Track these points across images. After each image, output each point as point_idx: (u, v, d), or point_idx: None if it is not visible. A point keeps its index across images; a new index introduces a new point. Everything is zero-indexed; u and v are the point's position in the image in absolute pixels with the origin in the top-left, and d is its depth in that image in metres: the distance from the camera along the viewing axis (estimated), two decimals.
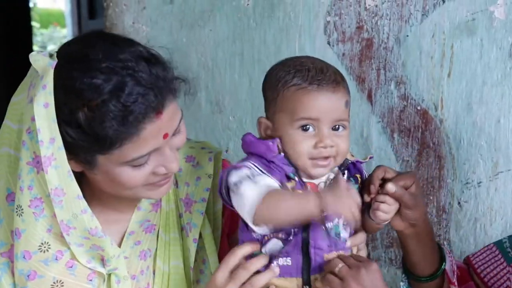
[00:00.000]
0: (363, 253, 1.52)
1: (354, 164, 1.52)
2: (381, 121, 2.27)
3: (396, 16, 2.20)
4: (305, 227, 1.42)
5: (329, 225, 1.43)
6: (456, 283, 1.60)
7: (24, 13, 7.07)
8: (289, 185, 1.43)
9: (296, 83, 1.44)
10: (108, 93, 1.33)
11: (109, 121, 1.34)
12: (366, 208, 1.51)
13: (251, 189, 1.39)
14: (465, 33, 2.10)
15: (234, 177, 1.44)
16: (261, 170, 1.43)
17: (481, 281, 1.66)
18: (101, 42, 1.41)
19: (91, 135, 1.36)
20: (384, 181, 1.49)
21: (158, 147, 1.41)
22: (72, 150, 1.40)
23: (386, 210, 1.47)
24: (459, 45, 2.12)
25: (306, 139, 1.43)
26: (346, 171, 1.51)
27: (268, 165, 1.44)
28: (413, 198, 1.48)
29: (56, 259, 1.48)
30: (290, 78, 1.45)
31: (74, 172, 1.43)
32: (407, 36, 2.19)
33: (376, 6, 2.22)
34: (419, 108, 2.20)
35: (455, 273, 1.62)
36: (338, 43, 2.30)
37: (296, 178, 1.44)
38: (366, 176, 1.54)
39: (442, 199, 2.20)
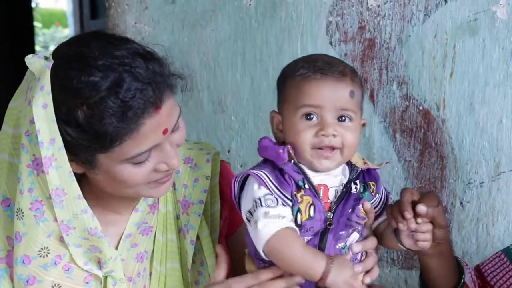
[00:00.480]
0: (373, 259, 1.49)
1: (368, 171, 1.50)
2: (383, 121, 2.27)
3: (398, 16, 2.20)
4: (321, 243, 1.41)
5: (340, 245, 1.43)
6: None
7: (26, 13, 7.07)
8: (298, 194, 1.41)
9: (301, 73, 1.44)
10: (106, 90, 1.33)
11: (109, 117, 1.33)
12: (394, 232, 1.49)
13: (264, 226, 1.39)
14: (467, 33, 2.10)
15: (248, 199, 1.43)
16: (278, 189, 1.42)
17: None
18: (96, 41, 1.41)
19: (91, 133, 1.35)
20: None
21: (158, 143, 1.41)
22: (72, 150, 1.39)
23: (428, 238, 1.44)
24: (461, 45, 2.11)
25: (308, 127, 1.42)
26: (357, 181, 1.48)
27: (279, 175, 1.43)
28: (444, 217, 1.47)
29: (55, 263, 1.47)
30: (297, 69, 1.46)
31: (74, 173, 1.43)
32: (409, 36, 2.19)
33: (378, 6, 2.22)
34: (421, 108, 2.20)
35: (476, 284, 1.62)
36: (340, 43, 2.30)
37: (306, 186, 1.42)
38: (383, 188, 1.52)
39: (444, 199, 2.20)
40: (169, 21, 2.59)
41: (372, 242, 1.49)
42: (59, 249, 1.47)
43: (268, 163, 1.46)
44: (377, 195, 1.51)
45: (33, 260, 1.45)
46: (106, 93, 1.33)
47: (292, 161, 1.43)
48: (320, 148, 1.42)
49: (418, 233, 1.43)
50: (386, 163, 1.56)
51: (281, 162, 1.42)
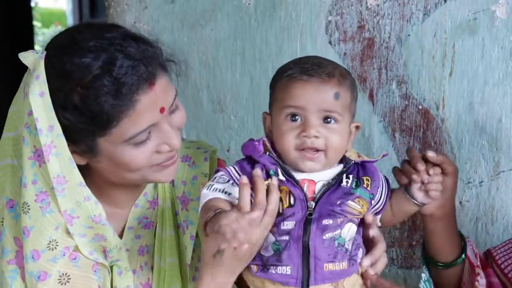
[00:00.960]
0: (380, 249, 1.50)
1: (363, 165, 1.50)
2: (382, 121, 2.27)
3: (397, 15, 2.20)
4: (305, 234, 1.41)
5: (328, 235, 1.42)
6: (480, 266, 1.62)
7: (25, 12, 7.07)
8: (266, 182, 1.41)
9: (289, 74, 1.45)
10: (99, 68, 1.36)
11: (104, 95, 1.36)
12: (404, 190, 1.51)
13: (203, 195, 1.42)
14: (466, 33, 2.10)
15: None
16: (237, 172, 1.45)
17: (501, 272, 1.69)
18: (87, 27, 1.45)
19: (88, 115, 1.37)
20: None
21: (156, 122, 1.42)
22: (73, 137, 1.41)
23: (440, 188, 1.49)
24: (460, 44, 2.12)
25: (292, 129, 1.43)
26: (350, 175, 1.47)
27: (246, 164, 1.45)
28: (452, 164, 1.53)
29: (64, 255, 1.49)
30: (286, 70, 1.47)
31: (77, 166, 1.45)
32: (409, 35, 2.19)
33: (378, 5, 2.22)
34: (420, 107, 2.20)
35: (478, 256, 1.64)
36: (339, 42, 2.30)
37: (282, 176, 1.43)
38: (383, 181, 1.52)
39: None
40: (168, 20, 2.59)
41: (380, 249, 1.50)
42: (67, 241, 1.48)
43: (245, 158, 1.48)
44: (377, 189, 1.50)
45: (42, 254, 1.46)
46: (99, 71, 1.36)
47: (268, 152, 1.44)
48: (303, 150, 1.42)
49: (430, 184, 1.47)
50: (384, 155, 1.55)
51: (257, 155, 1.44)
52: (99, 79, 1.36)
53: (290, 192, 1.42)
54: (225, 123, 2.56)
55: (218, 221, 1.29)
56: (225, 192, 1.41)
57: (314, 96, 1.41)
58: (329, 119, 1.43)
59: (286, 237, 1.41)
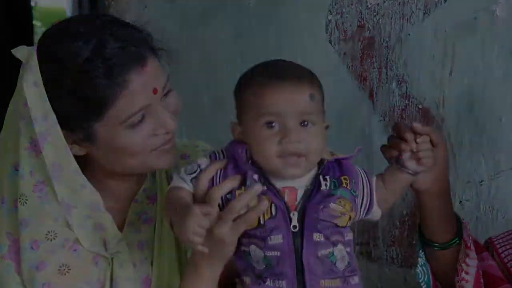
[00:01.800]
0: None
1: (339, 164, 1.45)
2: (382, 120, 2.27)
3: (397, 14, 2.20)
4: (296, 248, 1.38)
5: (322, 252, 1.38)
6: (472, 248, 1.62)
7: (25, 12, 7.07)
8: (238, 192, 1.38)
9: (257, 81, 1.41)
10: (90, 51, 1.38)
11: (96, 77, 1.38)
12: (396, 163, 1.48)
13: (172, 181, 1.43)
14: (466, 32, 2.10)
15: None
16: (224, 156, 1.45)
17: (501, 261, 1.68)
18: (76, 17, 1.53)
19: (83, 98, 1.39)
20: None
21: (150, 104, 1.43)
22: (70, 125, 1.42)
23: (430, 155, 1.47)
24: (460, 43, 2.12)
25: (271, 136, 1.37)
26: (327, 176, 1.42)
27: (232, 167, 1.43)
28: (438, 134, 1.52)
29: (63, 246, 1.49)
30: (252, 76, 1.44)
31: (77, 162, 1.46)
32: (409, 34, 2.19)
33: (378, 4, 2.22)
34: (420, 107, 2.20)
35: (470, 237, 1.64)
36: (339, 42, 2.30)
37: (264, 186, 1.39)
38: (364, 176, 1.48)
39: None
40: (168, 20, 2.59)
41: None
42: (66, 233, 1.49)
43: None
44: (358, 185, 1.45)
45: (41, 245, 1.47)
46: (90, 54, 1.38)
47: (250, 161, 1.41)
48: (284, 156, 1.38)
49: (420, 151, 1.46)
50: (359, 150, 1.49)
51: (241, 162, 1.41)
52: (90, 62, 1.38)
53: (272, 202, 1.39)
54: (225, 123, 2.56)
55: (185, 227, 1.29)
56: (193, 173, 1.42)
57: (290, 100, 1.37)
58: (305, 122, 1.38)
59: (277, 253, 1.39)
